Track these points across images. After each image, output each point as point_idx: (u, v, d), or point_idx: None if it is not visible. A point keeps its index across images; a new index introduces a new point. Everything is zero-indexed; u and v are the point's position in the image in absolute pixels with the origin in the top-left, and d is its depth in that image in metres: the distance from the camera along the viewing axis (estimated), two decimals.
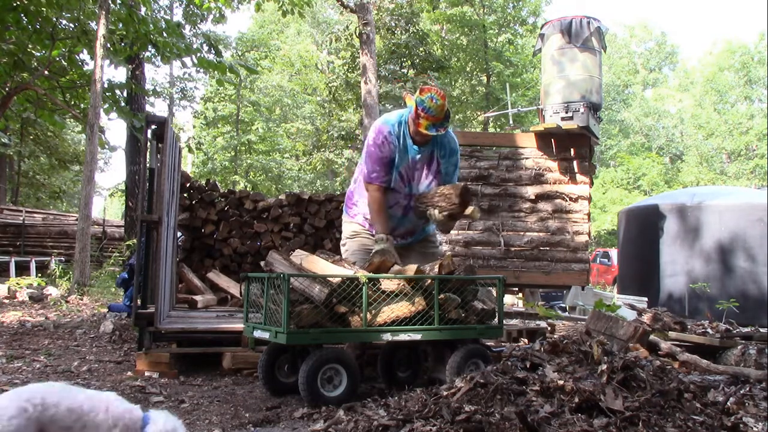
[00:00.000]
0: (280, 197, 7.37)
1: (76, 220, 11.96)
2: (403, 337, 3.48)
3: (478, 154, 7.30)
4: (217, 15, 13.86)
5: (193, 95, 26.61)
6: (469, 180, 7.18)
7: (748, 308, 8.81)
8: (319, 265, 3.62)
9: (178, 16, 18.07)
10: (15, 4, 9.96)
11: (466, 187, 3.76)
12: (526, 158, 7.23)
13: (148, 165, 4.89)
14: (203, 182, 7.28)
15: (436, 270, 3.63)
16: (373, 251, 3.72)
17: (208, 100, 26.27)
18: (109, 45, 10.42)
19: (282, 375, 3.63)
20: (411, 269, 3.56)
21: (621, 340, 4.11)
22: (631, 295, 9.72)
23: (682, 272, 9.76)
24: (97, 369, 4.38)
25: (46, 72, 11.18)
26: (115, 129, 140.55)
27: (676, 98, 44.29)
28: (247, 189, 19.37)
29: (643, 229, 10.51)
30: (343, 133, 21.18)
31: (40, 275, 11.64)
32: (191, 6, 14.24)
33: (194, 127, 27.69)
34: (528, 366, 3.16)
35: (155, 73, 79.99)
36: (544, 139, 7.19)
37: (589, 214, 7.14)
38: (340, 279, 3.37)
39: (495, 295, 3.81)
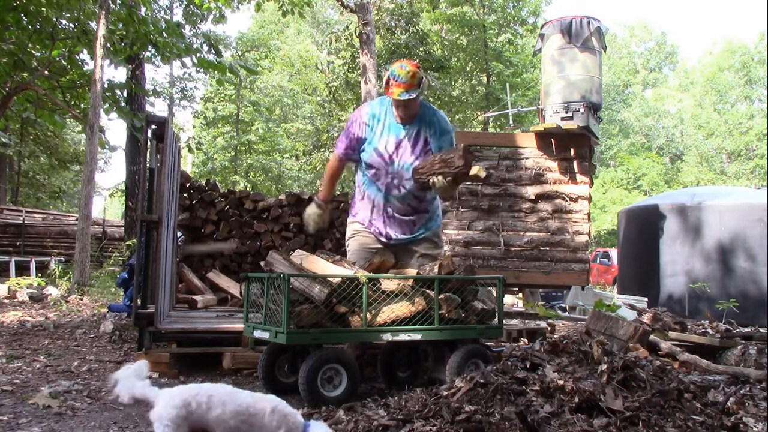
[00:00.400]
0: (280, 197, 7.36)
1: (76, 220, 11.96)
2: (403, 337, 3.48)
3: (478, 154, 7.30)
4: (217, 15, 13.86)
5: (193, 95, 26.63)
6: (469, 180, 7.16)
7: (748, 308, 8.81)
8: (319, 265, 3.62)
9: (178, 16, 18.08)
10: (15, 4, 9.96)
11: (467, 147, 3.69)
12: (526, 158, 7.23)
13: (148, 165, 4.89)
14: (203, 182, 7.28)
15: (436, 270, 3.63)
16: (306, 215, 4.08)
17: (208, 100, 26.27)
18: (109, 45, 10.42)
19: (282, 375, 3.63)
20: (412, 272, 3.56)
21: (621, 340, 4.11)
22: (631, 295, 9.73)
23: (682, 272, 9.76)
24: (97, 369, 4.38)
25: (46, 72, 11.18)
26: (115, 129, 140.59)
27: (676, 98, 44.29)
28: (247, 189, 19.35)
29: (643, 229, 10.51)
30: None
31: (40, 275, 11.64)
32: (191, 6, 14.24)
33: (194, 127, 27.69)
34: (528, 366, 3.16)
35: (155, 73, 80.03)
36: (544, 139, 7.18)
37: (589, 214, 7.14)
38: (340, 279, 3.37)
39: (495, 295, 3.80)
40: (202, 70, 14.08)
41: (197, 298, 6.05)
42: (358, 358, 3.77)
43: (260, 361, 3.61)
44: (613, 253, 19.43)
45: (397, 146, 3.86)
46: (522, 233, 7.09)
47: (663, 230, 10.05)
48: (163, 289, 4.68)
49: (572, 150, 7.11)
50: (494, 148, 7.47)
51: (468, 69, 25.65)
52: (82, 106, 12.28)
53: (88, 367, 4.39)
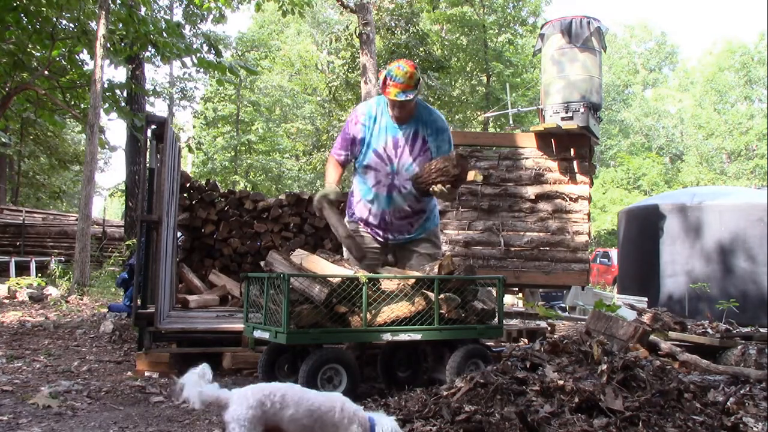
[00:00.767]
0: (280, 197, 7.37)
1: (76, 220, 11.96)
2: (403, 337, 3.48)
3: (478, 154, 7.30)
4: (217, 15, 13.87)
5: (193, 95, 26.63)
6: (468, 184, 7.17)
7: (748, 308, 8.82)
8: (319, 265, 3.61)
9: (178, 16, 18.09)
10: (15, 4, 9.96)
11: (460, 155, 3.74)
12: (526, 158, 7.23)
13: (148, 165, 4.89)
14: (203, 182, 7.28)
15: (436, 270, 3.63)
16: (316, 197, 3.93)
17: (208, 100, 26.26)
18: (109, 45, 10.42)
19: (282, 375, 3.63)
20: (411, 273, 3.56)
21: (621, 340, 4.11)
22: (631, 295, 9.73)
23: (682, 272, 9.76)
24: (97, 369, 4.38)
25: (46, 72, 11.18)
26: (115, 129, 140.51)
27: (676, 98, 44.30)
28: (247, 189, 19.35)
29: (643, 229, 10.51)
30: None
31: (40, 275, 11.65)
32: (191, 6, 14.25)
33: (194, 127, 27.69)
34: (528, 366, 3.16)
35: (155, 73, 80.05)
36: (544, 139, 7.18)
37: (589, 214, 7.14)
38: (340, 279, 3.37)
39: (495, 295, 3.80)
40: (202, 70, 14.11)
41: (190, 297, 6.02)
42: (358, 358, 3.77)
43: (260, 361, 3.61)
44: (613, 253, 19.43)
45: (396, 146, 3.86)
46: (522, 233, 7.09)
47: (663, 230, 10.05)
48: (163, 289, 4.68)
49: (572, 150, 7.11)
50: (494, 148, 7.47)
51: (468, 69, 25.65)
52: (82, 106, 12.29)
53: (88, 367, 4.39)
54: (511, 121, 19.31)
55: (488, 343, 4.40)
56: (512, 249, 7.06)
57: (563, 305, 9.64)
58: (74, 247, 10.42)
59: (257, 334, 3.56)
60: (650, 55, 48.67)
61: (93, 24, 10.86)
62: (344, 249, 4.15)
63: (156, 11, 12.99)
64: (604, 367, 2.90)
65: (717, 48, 43.76)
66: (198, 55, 11.60)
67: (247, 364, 4.33)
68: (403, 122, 3.86)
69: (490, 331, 3.76)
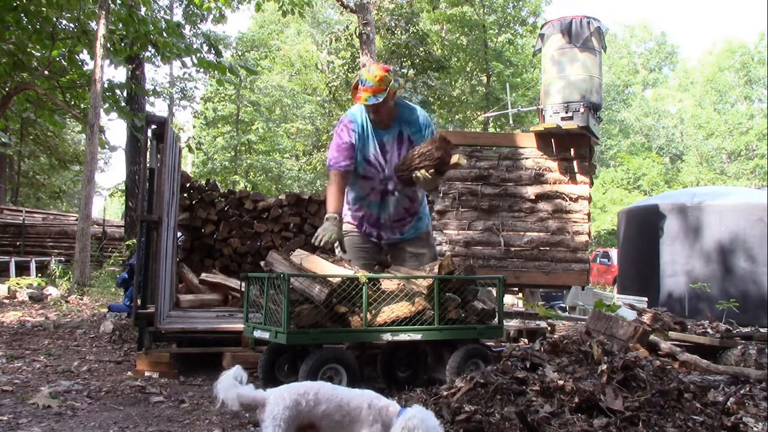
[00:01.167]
0: (280, 197, 7.37)
1: (76, 220, 11.96)
2: (403, 337, 3.48)
3: (478, 154, 7.30)
4: (217, 15, 13.87)
5: (193, 95, 26.61)
6: (469, 180, 7.18)
7: (748, 308, 8.81)
8: (319, 265, 3.61)
9: (178, 16, 18.08)
10: (15, 4, 9.96)
11: (443, 137, 3.68)
12: (526, 158, 7.23)
13: (148, 165, 4.89)
14: (203, 182, 7.28)
15: (436, 270, 3.63)
16: (318, 233, 3.74)
17: (208, 100, 26.25)
18: (109, 45, 10.42)
19: (282, 375, 3.63)
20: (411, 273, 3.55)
21: (621, 340, 4.11)
22: (631, 295, 9.72)
23: (682, 272, 9.76)
24: (97, 369, 4.38)
25: (46, 72, 11.18)
26: (115, 129, 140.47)
27: (676, 98, 44.29)
28: (247, 189, 19.35)
29: (643, 229, 10.51)
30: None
31: (40, 275, 11.64)
32: (191, 6, 14.25)
33: (194, 127, 27.67)
34: (528, 366, 3.16)
35: (155, 73, 79.94)
36: (544, 139, 7.18)
37: (589, 214, 7.14)
38: (340, 279, 3.37)
39: (495, 295, 3.80)
40: (202, 70, 14.10)
41: (183, 297, 5.98)
42: (358, 358, 3.77)
43: (260, 361, 3.61)
44: (613, 253, 19.42)
45: (384, 152, 3.86)
46: (522, 233, 7.09)
47: (663, 230, 10.05)
48: (163, 289, 4.68)
49: (572, 150, 7.11)
50: (494, 148, 7.47)
51: (468, 69, 25.65)
52: (82, 106, 12.29)
53: (88, 367, 4.39)
54: (511, 121, 19.32)
55: (488, 343, 4.40)
56: (512, 249, 7.06)
57: (563, 305, 9.64)
58: (74, 247, 10.41)
59: (257, 334, 3.56)
60: (650, 55, 48.67)
61: (93, 24, 10.86)
62: (336, 250, 4.14)
63: (156, 11, 12.99)
64: (604, 367, 2.90)
65: (717, 48, 43.76)
66: (198, 55, 11.60)
67: (247, 364, 4.28)
68: (387, 126, 3.86)
69: (490, 331, 3.76)
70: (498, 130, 23.08)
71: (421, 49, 19.32)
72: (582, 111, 7.04)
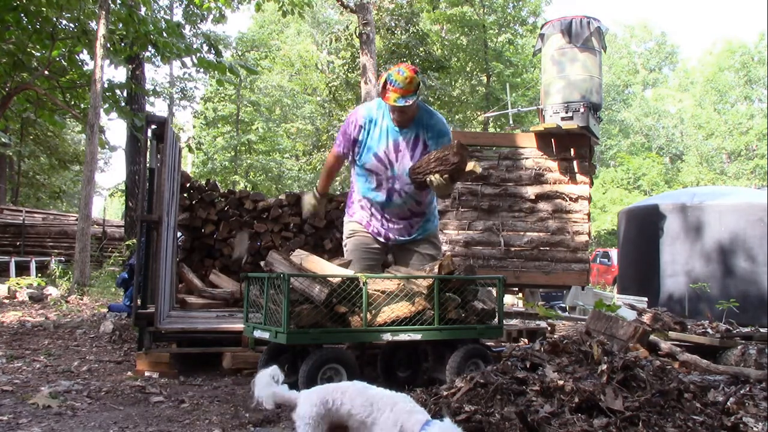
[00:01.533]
0: (280, 197, 7.37)
1: (76, 220, 11.96)
2: (403, 337, 3.48)
3: (478, 154, 7.30)
4: (217, 15, 13.86)
5: (193, 95, 26.61)
6: (469, 180, 7.18)
7: (748, 308, 8.81)
8: (319, 265, 3.62)
9: (178, 16, 18.08)
10: (15, 4, 9.96)
11: (462, 143, 3.66)
12: (526, 158, 7.23)
13: (148, 165, 4.89)
14: (203, 182, 7.28)
15: (436, 270, 3.63)
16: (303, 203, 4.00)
17: (208, 100, 26.25)
18: (109, 45, 10.42)
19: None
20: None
21: (621, 340, 4.11)
22: (631, 295, 9.73)
23: (682, 272, 9.76)
24: (97, 369, 4.38)
25: (46, 72, 11.18)
26: (115, 129, 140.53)
27: (676, 98, 44.31)
28: (247, 189, 19.36)
29: (643, 229, 10.51)
30: None
31: (40, 275, 11.65)
32: (191, 6, 14.24)
33: (194, 127, 27.68)
34: (528, 366, 3.16)
35: (155, 73, 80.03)
36: (544, 139, 7.19)
37: (589, 214, 7.14)
38: (340, 279, 3.37)
39: (495, 295, 3.80)
40: (202, 70, 14.08)
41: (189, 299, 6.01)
42: (358, 358, 3.77)
43: (260, 361, 3.61)
44: (613, 253, 19.42)
45: (396, 150, 3.84)
46: (522, 233, 7.10)
47: (663, 230, 10.05)
48: (163, 289, 4.68)
49: (572, 150, 7.12)
50: (494, 148, 7.47)
51: (468, 69, 25.65)
52: (82, 106, 12.29)
53: (88, 367, 4.39)
54: (511, 121, 19.32)
55: (488, 343, 4.41)
56: (512, 249, 7.06)
57: (563, 305, 9.64)
58: (74, 247, 10.42)
59: (257, 334, 3.56)
60: (650, 55, 48.68)
61: (93, 24, 10.86)
62: (344, 249, 4.15)
63: (156, 11, 12.99)
64: (604, 367, 2.90)
65: (717, 48, 43.78)
66: (198, 55, 11.60)
67: (247, 364, 4.33)
68: (405, 126, 3.84)
69: (490, 331, 3.76)
70: (498, 130, 23.09)
71: (421, 49, 19.33)
72: (582, 111, 7.04)
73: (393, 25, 19.42)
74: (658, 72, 48.70)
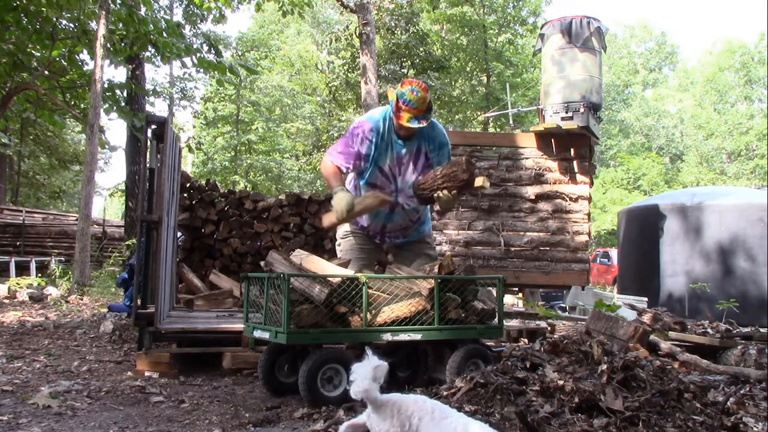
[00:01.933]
0: (280, 197, 7.37)
1: (76, 220, 11.96)
2: (403, 337, 3.48)
3: (478, 154, 7.30)
4: (217, 15, 13.86)
5: (193, 95, 26.61)
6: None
7: (749, 308, 8.81)
8: (319, 265, 3.61)
9: (178, 16, 18.09)
10: (15, 4, 9.96)
11: (469, 160, 3.65)
12: (526, 158, 7.23)
13: (148, 165, 4.89)
14: (203, 182, 7.28)
15: (436, 270, 3.63)
16: (336, 202, 3.65)
17: (208, 100, 26.25)
18: (109, 45, 10.42)
19: (282, 375, 3.63)
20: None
21: (621, 340, 4.11)
22: (631, 295, 9.72)
23: (682, 272, 9.76)
24: (97, 369, 4.38)
25: (46, 72, 11.18)
26: (115, 129, 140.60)
27: (676, 98, 44.29)
28: (247, 189, 19.35)
29: (643, 229, 10.51)
30: (343, 133, 21.15)
31: (40, 275, 11.64)
32: (191, 6, 14.24)
33: (194, 127, 27.68)
34: (528, 366, 3.16)
35: (155, 73, 80.00)
36: (544, 139, 7.19)
37: (589, 214, 7.14)
38: (340, 279, 3.37)
39: (495, 295, 3.80)
40: (202, 70, 14.07)
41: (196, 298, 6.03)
42: (358, 358, 3.77)
43: (260, 361, 3.61)
44: (613, 253, 19.42)
45: (399, 164, 3.82)
46: (522, 233, 7.10)
47: (663, 230, 10.05)
48: (163, 289, 4.68)
49: (572, 150, 7.12)
50: (494, 148, 7.47)
51: (468, 69, 25.65)
52: (82, 106, 12.29)
53: (88, 367, 4.39)
54: (511, 121, 19.31)
55: (488, 343, 4.40)
56: (512, 249, 7.06)
57: (563, 305, 9.64)
58: (74, 247, 10.41)
59: (257, 334, 3.56)
60: (650, 55, 48.67)
61: (93, 24, 10.86)
62: (338, 249, 4.14)
63: (156, 11, 12.98)
64: (604, 367, 2.90)
65: (717, 48, 43.76)
66: (198, 55, 11.60)
67: (247, 364, 4.33)
68: (407, 138, 3.81)
69: (490, 331, 3.76)
70: (498, 130, 23.08)
71: (421, 49, 19.32)
72: (582, 111, 7.04)
73: (393, 25, 19.42)
74: (658, 72, 48.69)
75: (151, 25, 10.74)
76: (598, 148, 15.20)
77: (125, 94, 13.38)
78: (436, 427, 2.08)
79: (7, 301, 8.27)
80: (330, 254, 6.45)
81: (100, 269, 13.58)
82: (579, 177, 7.08)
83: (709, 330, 5.43)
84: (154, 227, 4.63)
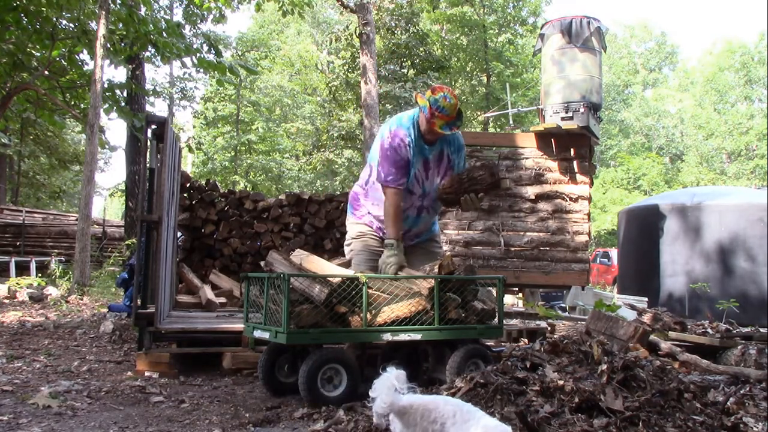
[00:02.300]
0: (280, 197, 7.37)
1: (76, 220, 11.96)
2: (403, 337, 3.48)
3: (478, 154, 7.29)
4: (217, 15, 13.86)
5: (193, 95, 26.59)
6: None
7: (749, 308, 8.81)
8: (319, 265, 3.62)
9: (178, 16, 18.08)
10: (15, 4, 9.96)
11: (493, 163, 3.84)
12: (526, 158, 7.23)
13: (148, 165, 4.89)
14: (203, 182, 7.28)
15: (436, 270, 3.63)
16: (388, 262, 3.66)
17: (208, 100, 26.24)
18: (109, 45, 10.42)
19: (282, 375, 3.63)
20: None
21: (621, 340, 4.11)
22: (631, 295, 9.72)
23: (682, 272, 9.76)
24: (97, 369, 4.38)
25: (46, 72, 11.18)
26: (115, 129, 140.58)
27: (676, 98, 44.28)
28: (247, 189, 19.35)
29: (643, 229, 10.50)
30: (343, 133, 21.16)
31: (40, 275, 11.64)
32: (191, 6, 14.24)
33: (194, 127, 27.67)
34: (528, 366, 3.16)
35: (155, 73, 79.96)
36: (544, 139, 7.18)
37: (589, 214, 7.14)
38: (340, 279, 3.37)
39: (495, 295, 3.81)
40: (202, 70, 14.08)
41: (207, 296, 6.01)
42: (358, 358, 3.77)
43: (260, 361, 3.61)
44: (613, 253, 19.41)
45: (426, 168, 3.88)
46: (522, 233, 7.09)
47: (663, 230, 10.04)
48: (163, 289, 4.68)
49: (572, 150, 7.12)
50: (494, 148, 7.47)
51: (468, 69, 25.65)
52: (82, 106, 12.28)
53: (88, 367, 4.39)
54: (511, 121, 19.30)
55: (488, 343, 4.41)
56: (512, 249, 7.06)
57: (563, 305, 9.63)
58: (74, 247, 10.41)
59: (257, 334, 3.56)
60: (650, 55, 48.66)
61: (93, 24, 10.86)
62: (347, 249, 4.12)
63: (156, 11, 12.98)
64: (604, 367, 2.90)
65: (717, 48, 43.75)
66: (198, 55, 11.60)
67: (247, 364, 4.33)
68: (431, 143, 3.86)
69: (490, 331, 3.76)
70: (498, 130, 23.08)
71: (421, 49, 19.33)
72: (582, 111, 7.04)
73: (393, 25, 19.42)
74: (658, 72, 48.67)
75: (151, 25, 10.74)
76: (598, 148, 15.21)
77: (125, 94, 13.38)
78: (474, 413, 2.08)
79: (7, 301, 8.27)
80: (330, 254, 6.45)
81: (100, 269, 13.59)
82: (579, 177, 7.08)
83: (709, 330, 5.43)
84: (154, 227, 4.63)
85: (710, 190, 12.17)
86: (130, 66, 13.62)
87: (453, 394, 2.78)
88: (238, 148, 25.03)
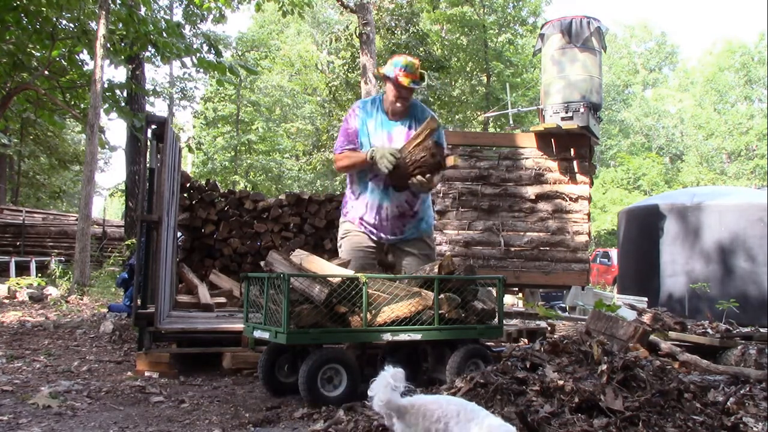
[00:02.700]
0: (280, 197, 7.37)
1: (76, 220, 11.96)
2: (403, 337, 3.48)
3: (478, 154, 7.30)
4: (217, 15, 13.86)
5: (193, 95, 26.60)
6: (469, 180, 7.19)
7: (749, 308, 8.81)
8: (319, 265, 3.61)
9: (178, 16, 18.08)
10: (15, 4, 9.96)
11: (436, 143, 3.76)
12: (526, 158, 7.23)
13: (148, 165, 4.89)
14: (203, 182, 7.28)
15: (436, 270, 3.63)
16: (376, 156, 3.74)
17: (208, 100, 26.25)
18: (109, 45, 10.42)
19: (282, 375, 3.63)
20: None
21: (621, 340, 4.11)
22: (631, 295, 9.72)
23: (682, 272, 9.76)
24: (97, 369, 4.38)
25: (46, 72, 11.18)
26: (115, 129, 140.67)
27: (676, 98, 44.29)
28: (247, 189, 19.35)
29: (643, 229, 10.51)
30: None
31: (40, 275, 11.64)
32: (191, 6, 14.24)
33: (194, 127, 27.68)
34: (528, 366, 3.16)
35: (155, 73, 79.95)
36: (544, 139, 7.19)
37: (589, 214, 7.14)
38: (340, 279, 3.37)
39: (495, 295, 3.80)
40: (202, 70, 14.07)
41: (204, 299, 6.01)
42: (358, 358, 3.77)
43: (260, 361, 3.61)
44: (613, 253, 19.41)
45: (390, 142, 3.91)
46: (522, 233, 7.10)
47: (663, 230, 10.05)
48: (163, 289, 4.68)
49: (572, 150, 7.12)
50: (494, 148, 7.47)
51: (468, 69, 25.65)
52: (82, 106, 12.28)
53: (88, 367, 4.39)
54: (511, 121, 19.31)
55: (488, 343, 4.40)
56: (512, 249, 7.06)
57: (563, 305, 9.64)
58: (74, 247, 10.41)
59: (257, 334, 3.56)
60: (650, 55, 48.67)
61: (93, 24, 10.86)
62: (339, 250, 4.12)
63: (156, 11, 12.98)
64: (604, 367, 2.90)
65: (717, 48, 43.76)
66: (198, 55, 11.60)
67: (247, 364, 4.33)
68: (399, 118, 3.96)
69: (490, 331, 3.76)
70: (498, 130, 23.08)
71: (421, 49, 19.32)
72: (582, 111, 7.05)
73: (393, 25, 19.42)
74: (658, 72, 48.69)
75: (151, 25, 10.74)
76: (598, 148, 15.20)
77: (125, 94, 13.38)
78: (478, 412, 2.06)
79: (7, 301, 8.27)
80: (330, 254, 6.45)
81: (100, 269, 13.59)
82: (579, 177, 7.09)
83: (709, 330, 5.43)
84: (154, 227, 4.63)
85: (710, 190, 12.17)
86: (130, 66, 13.62)
87: (453, 394, 2.78)
88: (238, 148, 25.04)
